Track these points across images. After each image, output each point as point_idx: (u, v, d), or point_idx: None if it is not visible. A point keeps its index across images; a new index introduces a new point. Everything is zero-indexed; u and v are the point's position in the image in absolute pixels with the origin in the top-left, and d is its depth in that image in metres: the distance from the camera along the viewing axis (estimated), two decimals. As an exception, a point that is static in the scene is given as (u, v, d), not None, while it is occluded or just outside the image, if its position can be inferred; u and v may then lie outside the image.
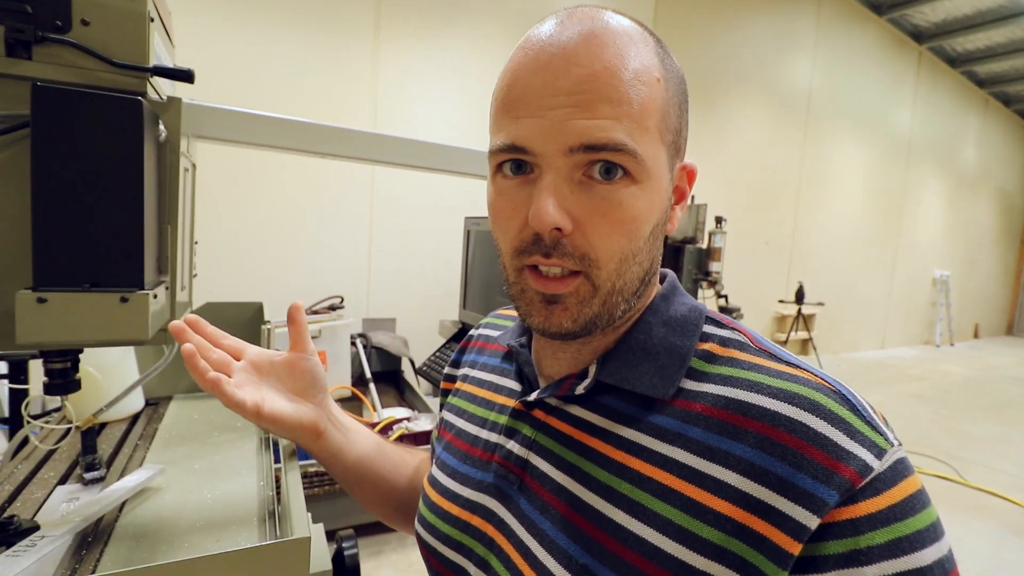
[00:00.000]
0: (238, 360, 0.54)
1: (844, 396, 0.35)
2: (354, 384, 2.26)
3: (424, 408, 2.21)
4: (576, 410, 0.43)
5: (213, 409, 0.89)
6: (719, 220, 3.18)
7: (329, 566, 0.51)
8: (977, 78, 8.04)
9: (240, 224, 2.82)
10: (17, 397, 1.16)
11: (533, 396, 0.45)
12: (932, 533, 0.32)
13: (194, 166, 0.70)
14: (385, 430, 1.92)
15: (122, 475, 0.64)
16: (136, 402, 0.87)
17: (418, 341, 2.99)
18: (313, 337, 2.13)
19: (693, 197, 2.77)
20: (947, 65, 7.53)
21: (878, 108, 6.75)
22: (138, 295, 0.47)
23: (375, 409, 2.10)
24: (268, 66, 2.82)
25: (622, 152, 0.36)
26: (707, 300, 3.42)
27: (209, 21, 2.64)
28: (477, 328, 0.64)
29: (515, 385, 0.50)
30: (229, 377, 0.51)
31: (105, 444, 0.75)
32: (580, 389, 0.43)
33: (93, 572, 0.47)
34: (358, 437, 0.60)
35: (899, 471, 0.33)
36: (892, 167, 7.14)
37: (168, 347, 0.67)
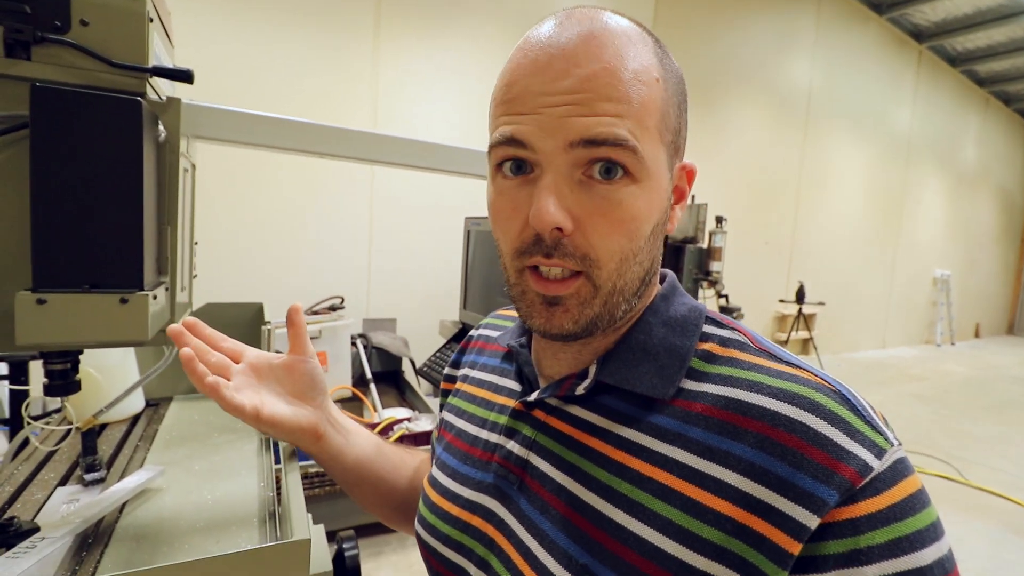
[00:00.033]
0: (237, 363, 0.54)
1: (844, 396, 0.35)
2: (355, 384, 2.26)
3: (425, 408, 2.21)
4: (576, 410, 0.43)
5: (213, 410, 0.89)
6: (719, 220, 3.17)
7: (330, 567, 0.51)
8: (977, 77, 8.03)
9: (240, 224, 2.82)
10: (17, 398, 1.15)
11: (533, 396, 0.45)
12: (932, 533, 0.32)
13: (194, 166, 0.70)
14: (386, 430, 1.92)
15: (122, 476, 0.64)
16: (136, 403, 0.87)
17: (418, 341, 2.99)
18: (313, 338, 2.14)
19: (693, 197, 2.77)
20: (947, 64, 7.53)
21: (878, 107, 6.75)
22: (138, 296, 0.47)
23: (376, 409, 2.10)
24: (268, 66, 2.82)
25: (623, 147, 0.36)
26: (708, 300, 3.42)
27: (209, 21, 2.64)
28: (477, 329, 0.64)
29: (515, 385, 0.50)
30: (228, 380, 0.51)
31: (105, 445, 0.75)
32: (580, 389, 0.43)
33: (93, 574, 0.46)
34: (358, 439, 0.60)
35: (899, 471, 0.33)
36: (892, 166, 7.14)
37: (168, 348, 0.67)
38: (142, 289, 0.48)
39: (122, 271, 0.47)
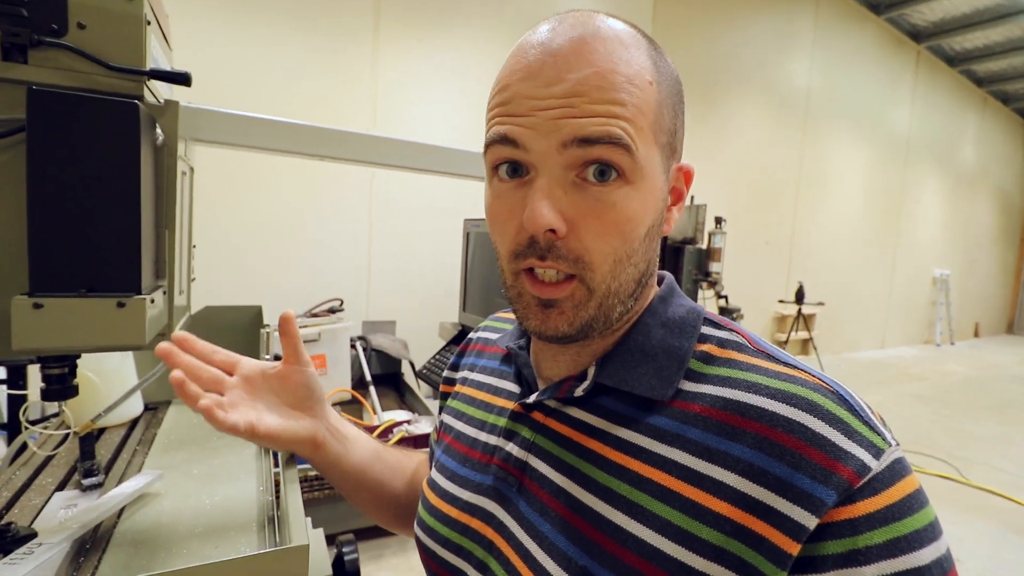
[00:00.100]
0: (231, 375, 0.53)
1: (842, 396, 0.35)
2: (354, 387, 2.26)
3: (424, 411, 2.20)
4: (575, 412, 0.43)
5: (212, 413, 0.89)
6: (719, 220, 3.18)
7: (329, 571, 0.51)
8: (975, 77, 8.05)
9: (239, 227, 2.82)
10: (15, 403, 1.15)
11: (532, 398, 0.45)
12: (930, 533, 0.32)
13: (192, 169, 0.70)
14: (385, 433, 1.92)
15: (120, 481, 0.64)
16: (135, 407, 0.87)
17: (418, 343, 2.99)
18: (313, 340, 2.14)
19: (692, 197, 2.77)
20: (945, 64, 7.54)
21: (876, 107, 6.76)
22: (135, 300, 0.47)
23: (375, 412, 2.10)
24: (266, 69, 2.82)
25: (617, 146, 0.36)
26: (707, 300, 3.42)
27: (207, 24, 2.64)
28: (476, 331, 0.64)
29: (514, 387, 0.50)
30: (222, 395, 0.50)
31: (103, 449, 0.75)
32: (579, 391, 0.43)
33: (91, 578, 0.46)
34: (356, 445, 0.60)
35: (897, 471, 0.33)
36: (891, 166, 7.15)
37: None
38: (140, 293, 0.48)
39: (119, 275, 0.47)
